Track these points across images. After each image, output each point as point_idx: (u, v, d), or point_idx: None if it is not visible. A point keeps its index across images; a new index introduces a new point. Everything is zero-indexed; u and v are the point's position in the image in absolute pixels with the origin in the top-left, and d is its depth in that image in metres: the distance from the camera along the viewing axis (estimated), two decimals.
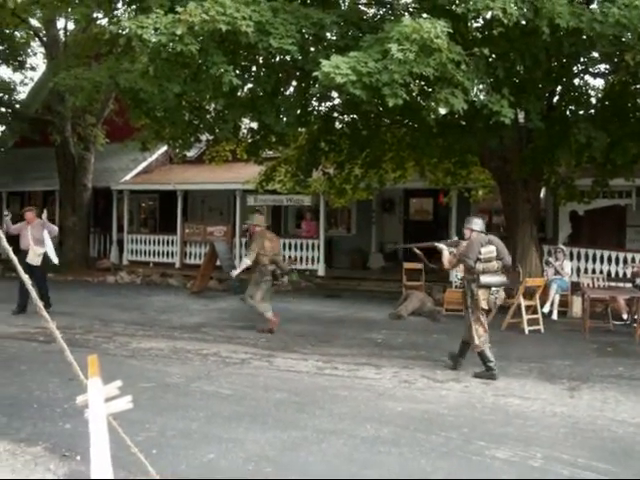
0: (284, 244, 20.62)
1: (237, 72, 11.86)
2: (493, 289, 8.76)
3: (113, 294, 18.18)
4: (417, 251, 10.17)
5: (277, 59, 12.36)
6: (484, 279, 8.69)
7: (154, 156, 25.09)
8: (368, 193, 18.76)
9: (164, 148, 24.03)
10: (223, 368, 9.22)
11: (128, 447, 3.45)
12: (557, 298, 14.12)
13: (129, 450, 3.48)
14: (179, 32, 10.04)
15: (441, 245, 9.39)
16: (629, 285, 14.40)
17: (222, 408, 7.18)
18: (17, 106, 25.40)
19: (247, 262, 12.05)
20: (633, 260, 15.57)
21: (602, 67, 14.03)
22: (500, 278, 8.88)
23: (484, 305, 8.76)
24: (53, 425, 6.50)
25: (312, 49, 11.68)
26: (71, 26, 23.60)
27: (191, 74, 11.83)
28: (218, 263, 18.68)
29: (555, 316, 13.90)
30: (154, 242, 23.15)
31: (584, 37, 10.81)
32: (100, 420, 2.73)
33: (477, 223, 9.11)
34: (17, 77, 44.69)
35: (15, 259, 3.04)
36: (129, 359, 9.78)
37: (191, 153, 21.22)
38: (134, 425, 5.82)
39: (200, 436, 6.24)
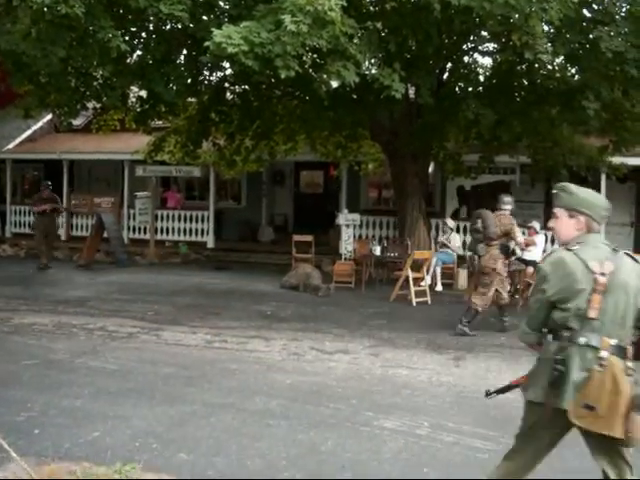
0: (172, 216, 20.28)
1: (126, 38, 11.51)
2: None
3: None
4: None
5: (167, 26, 12.05)
6: None
7: (39, 124, 24.10)
8: (258, 165, 18.63)
9: (49, 116, 23.12)
10: (109, 343, 9.00)
11: None
12: (438, 270, 14.46)
13: None
14: None
15: None
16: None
17: (108, 384, 7.01)
18: None
19: None
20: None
21: (491, 46, 14.32)
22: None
23: None
24: None
25: (204, 17, 11.43)
26: None
27: (77, 38, 11.36)
28: (105, 235, 18.20)
29: (440, 288, 14.24)
30: None
31: (474, 15, 10.99)
32: None
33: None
34: None
35: None
36: (11, 335, 9.43)
37: (77, 122, 20.52)
38: (15, 404, 5.62)
39: (84, 414, 6.07)
